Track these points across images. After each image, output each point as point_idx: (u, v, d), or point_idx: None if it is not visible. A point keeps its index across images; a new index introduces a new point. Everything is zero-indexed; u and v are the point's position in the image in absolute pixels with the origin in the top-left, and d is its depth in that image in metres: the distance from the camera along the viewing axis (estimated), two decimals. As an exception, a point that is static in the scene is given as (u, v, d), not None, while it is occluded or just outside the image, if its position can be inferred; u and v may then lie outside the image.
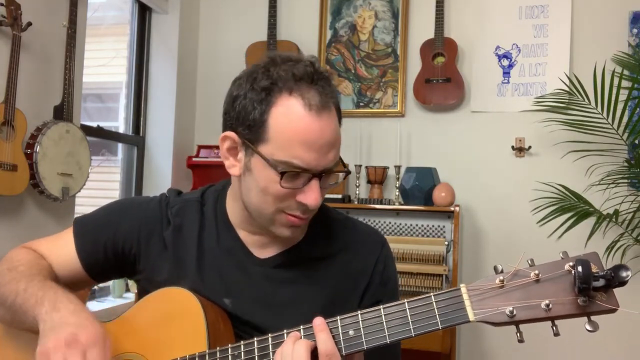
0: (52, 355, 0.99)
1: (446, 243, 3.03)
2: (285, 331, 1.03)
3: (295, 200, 1.09)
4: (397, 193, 3.25)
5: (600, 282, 0.81)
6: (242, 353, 1.05)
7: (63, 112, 2.59)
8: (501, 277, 0.89)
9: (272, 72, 1.07)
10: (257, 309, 1.18)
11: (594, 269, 0.82)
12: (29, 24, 2.39)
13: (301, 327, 1.01)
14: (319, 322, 1.00)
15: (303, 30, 3.70)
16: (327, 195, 3.14)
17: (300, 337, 1.00)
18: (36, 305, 1.07)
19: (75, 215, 2.82)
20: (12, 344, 1.20)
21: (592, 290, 0.81)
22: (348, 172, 1.17)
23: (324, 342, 0.97)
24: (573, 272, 0.83)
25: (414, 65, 3.49)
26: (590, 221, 2.96)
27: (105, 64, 3.59)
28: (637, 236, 2.90)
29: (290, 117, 1.05)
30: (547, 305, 0.84)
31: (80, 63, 2.82)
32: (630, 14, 3.20)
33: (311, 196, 1.07)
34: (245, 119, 1.08)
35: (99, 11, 3.45)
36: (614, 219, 2.92)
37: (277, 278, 1.20)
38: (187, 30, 3.77)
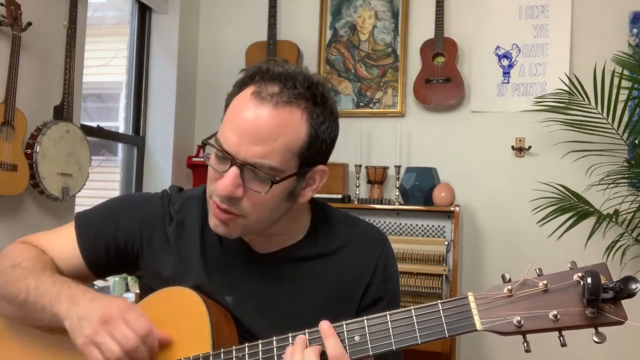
0: (97, 338, 1.01)
1: (446, 243, 3.03)
2: (290, 334, 1.02)
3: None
4: (397, 193, 3.25)
5: (609, 294, 0.81)
6: (247, 355, 1.05)
7: (63, 112, 2.58)
8: (509, 287, 0.89)
9: (257, 68, 1.09)
10: (258, 306, 1.18)
11: (603, 280, 0.81)
12: (29, 24, 2.39)
13: (306, 331, 1.01)
14: (326, 326, 0.99)
15: (303, 30, 3.69)
16: (327, 195, 3.15)
17: (307, 342, 1.00)
18: (53, 303, 1.08)
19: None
20: (16, 338, 1.20)
21: (600, 302, 0.82)
22: (274, 181, 1.04)
23: (333, 347, 0.97)
24: (582, 283, 0.83)
25: (414, 65, 3.49)
26: (590, 221, 2.96)
27: (105, 64, 3.59)
28: (637, 236, 2.90)
29: (239, 99, 1.07)
30: (555, 316, 0.84)
31: (80, 63, 2.81)
32: (630, 14, 3.20)
33: (222, 182, 1.04)
34: (225, 107, 1.12)
35: (99, 11, 3.45)
36: (614, 219, 2.92)
37: (278, 274, 1.20)
38: (187, 30, 3.76)
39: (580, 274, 0.85)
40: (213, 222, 1.11)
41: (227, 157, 1.05)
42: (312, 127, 1.07)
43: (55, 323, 1.08)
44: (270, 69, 1.07)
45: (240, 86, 1.10)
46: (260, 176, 1.04)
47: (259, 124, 1.02)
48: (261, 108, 1.03)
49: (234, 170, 1.03)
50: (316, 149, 1.09)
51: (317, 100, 1.08)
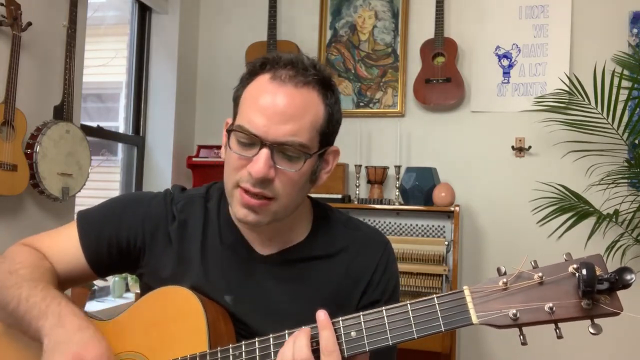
0: None
1: (446, 243, 3.03)
2: (287, 331, 1.02)
3: (247, 171, 1.08)
4: (397, 193, 3.25)
5: (604, 285, 0.80)
6: (244, 353, 1.04)
7: (63, 112, 2.58)
8: (504, 279, 0.88)
9: (264, 59, 1.13)
10: (257, 306, 1.18)
11: (598, 271, 0.81)
12: (29, 24, 2.38)
13: (303, 328, 1.00)
14: (323, 317, 0.99)
15: (303, 30, 3.70)
16: (327, 195, 3.15)
17: None
18: (40, 318, 1.07)
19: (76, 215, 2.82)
20: (12, 343, 1.20)
21: (596, 293, 0.81)
22: (307, 155, 1.09)
23: (326, 339, 0.96)
24: (577, 275, 0.82)
25: (414, 65, 3.49)
26: (590, 221, 2.96)
27: (105, 64, 3.59)
28: (637, 236, 2.90)
29: (255, 86, 1.10)
30: (551, 308, 0.84)
31: (80, 63, 2.81)
32: (630, 14, 3.20)
33: (255, 164, 1.05)
34: (234, 100, 1.15)
35: (99, 11, 3.45)
36: (614, 219, 2.92)
37: (278, 275, 1.20)
38: (187, 30, 3.76)
39: (575, 266, 0.84)
40: (242, 212, 1.11)
41: (254, 142, 1.07)
42: (328, 106, 1.13)
43: (37, 337, 1.08)
44: (280, 56, 1.11)
45: (249, 77, 1.13)
46: (290, 155, 1.08)
47: (286, 104, 1.06)
48: (284, 89, 1.07)
49: (265, 151, 1.05)
50: (332, 128, 1.15)
51: (326, 83, 1.13)
